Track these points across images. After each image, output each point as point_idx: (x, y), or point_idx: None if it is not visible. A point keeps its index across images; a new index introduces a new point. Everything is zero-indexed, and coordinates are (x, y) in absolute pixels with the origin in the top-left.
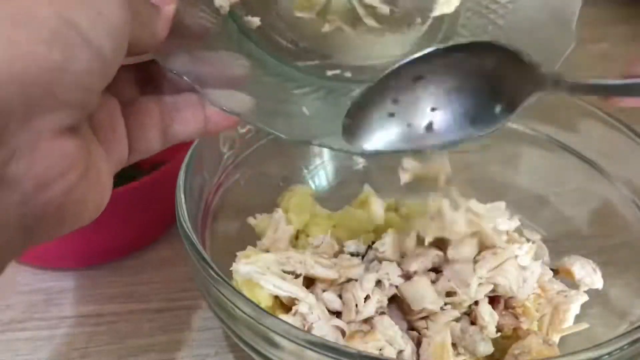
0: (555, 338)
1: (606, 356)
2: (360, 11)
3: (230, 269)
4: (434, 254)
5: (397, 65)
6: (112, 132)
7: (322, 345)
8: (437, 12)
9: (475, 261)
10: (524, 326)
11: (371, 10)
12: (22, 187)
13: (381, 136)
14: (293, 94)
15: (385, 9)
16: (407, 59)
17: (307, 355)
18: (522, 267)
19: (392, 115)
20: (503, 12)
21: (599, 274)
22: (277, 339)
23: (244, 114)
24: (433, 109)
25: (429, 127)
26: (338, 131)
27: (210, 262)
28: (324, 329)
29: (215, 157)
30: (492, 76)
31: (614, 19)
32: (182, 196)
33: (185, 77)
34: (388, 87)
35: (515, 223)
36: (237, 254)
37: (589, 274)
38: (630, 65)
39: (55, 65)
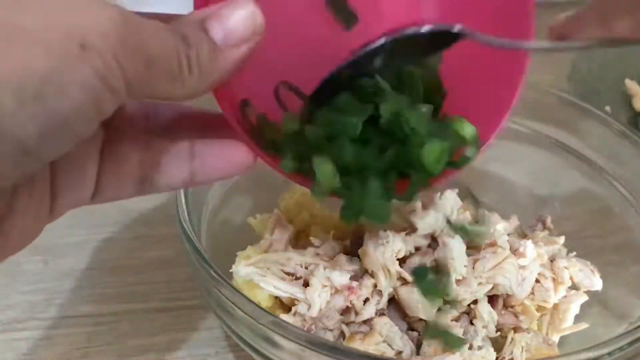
0: (555, 338)
1: (606, 356)
2: None
3: (231, 270)
4: (433, 259)
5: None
6: (79, 173)
7: (322, 345)
8: None
9: (474, 260)
10: (524, 325)
11: None
12: None
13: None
14: None
15: None
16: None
17: (307, 355)
18: (521, 266)
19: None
20: None
21: (597, 275)
22: (277, 339)
23: None
24: None
25: None
26: None
27: (210, 262)
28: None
29: None
30: None
31: None
32: (182, 196)
33: None
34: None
35: (515, 223)
36: (237, 254)
37: (587, 276)
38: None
39: None
